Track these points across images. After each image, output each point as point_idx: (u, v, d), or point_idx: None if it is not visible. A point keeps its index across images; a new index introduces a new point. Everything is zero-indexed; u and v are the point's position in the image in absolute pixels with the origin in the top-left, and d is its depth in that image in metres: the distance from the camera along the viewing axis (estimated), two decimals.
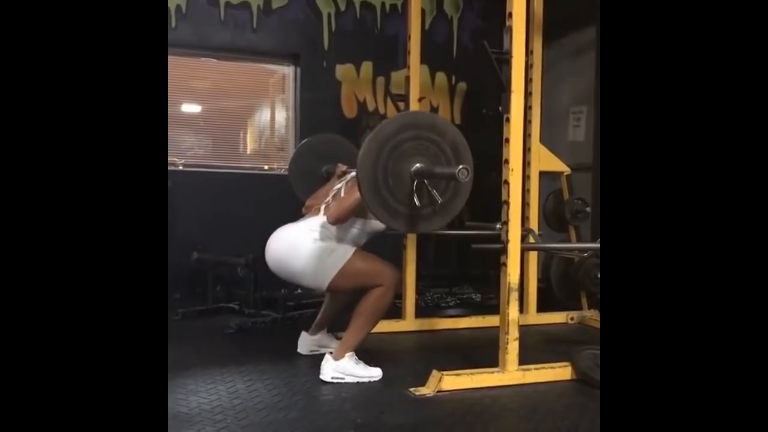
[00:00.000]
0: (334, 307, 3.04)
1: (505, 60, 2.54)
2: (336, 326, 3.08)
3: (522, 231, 2.69)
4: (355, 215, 2.68)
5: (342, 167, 3.02)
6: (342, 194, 2.75)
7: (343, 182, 2.84)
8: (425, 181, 2.29)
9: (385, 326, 3.60)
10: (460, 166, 2.19)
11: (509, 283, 2.57)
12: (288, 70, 4.97)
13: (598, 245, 3.29)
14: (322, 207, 2.77)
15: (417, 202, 2.28)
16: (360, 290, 2.66)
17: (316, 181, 3.20)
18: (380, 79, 5.07)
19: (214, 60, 4.79)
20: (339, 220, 2.65)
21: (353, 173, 2.64)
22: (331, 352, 2.66)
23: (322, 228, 2.66)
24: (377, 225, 2.72)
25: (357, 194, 2.43)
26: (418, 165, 2.28)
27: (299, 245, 2.65)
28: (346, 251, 2.63)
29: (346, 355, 2.62)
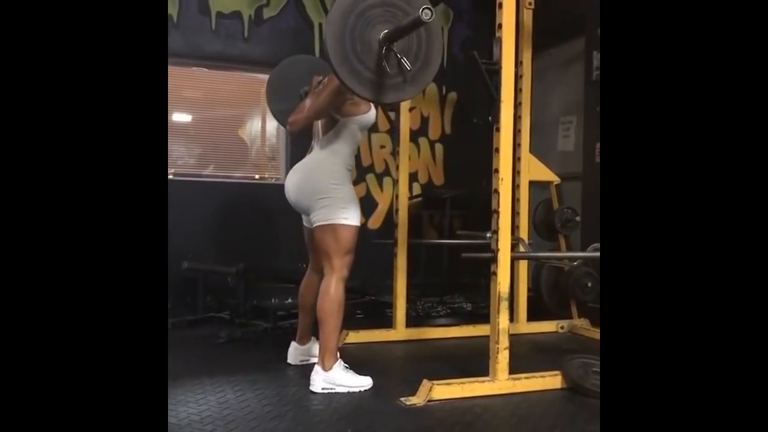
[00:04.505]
0: (309, 313, 2.99)
1: (495, 70, 2.56)
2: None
3: (512, 240, 2.70)
4: (335, 110, 2.71)
5: (318, 78, 2.92)
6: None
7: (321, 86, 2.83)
8: (394, 49, 2.26)
9: (375, 335, 3.61)
10: (423, 7, 2.07)
11: (499, 292, 2.58)
12: None
13: (588, 254, 3.32)
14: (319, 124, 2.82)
15: (387, 68, 2.24)
16: (320, 254, 2.73)
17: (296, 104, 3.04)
18: None
19: (206, 69, 4.80)
20: (318, 112, 2.72)
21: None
22: None
23: (328, 155, 2.73)
24: (363, 119, 2.77)
25: (331, 85, 2.48)
26: (385, 30, 2.24)
27: (315, 176, 2.72)
28: (350, 215, 2.66)
29: (335, 365, 2.62)
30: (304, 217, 2.89)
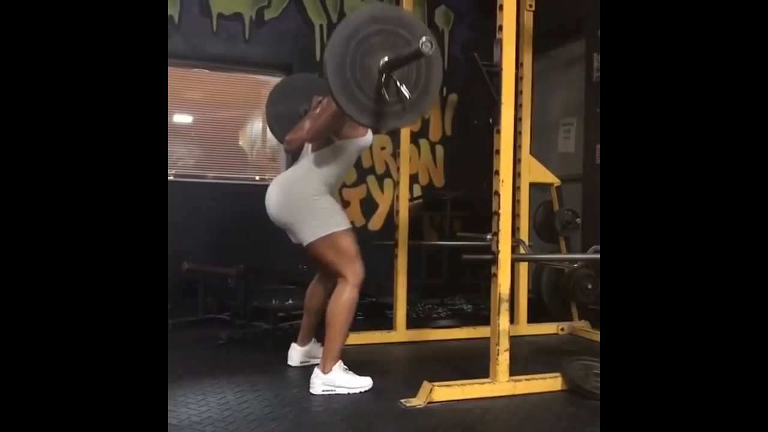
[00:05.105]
0: (313, 315, 3.02)
1: (496, 72, 2.56)
2: (324, 334, 3.07)
3: (512, 242, 2.70)
4: (332, 131, 2.70)
5: (318, 98, 2.90)
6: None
7: (320, 107, 2.82)
8: (393, 77, 2.26)
9: (376, 337, 3.61)
10: (423, 38, 2.09)
11: (500, 293, 2.57)
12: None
13: (588, 256, 3.32)
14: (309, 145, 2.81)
15: (386, 96, 2.24)
16: (327, 267, 2.73)
17: (295, 123, 3.05)
18: None
19: (207, 71, 4.80)
20: (317, 134, 2.70)
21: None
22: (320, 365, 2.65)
23: (313, 170, 2.71)
24: (361, 142, 2.76)
25: (330, 108, 2.48)
26: (386, 58, 2.24)
27: (295, 191, 2.70)
28: (340, 221, 2.67)
29: (334, 367, 2.61)
30: (289, 234, 2.82)
